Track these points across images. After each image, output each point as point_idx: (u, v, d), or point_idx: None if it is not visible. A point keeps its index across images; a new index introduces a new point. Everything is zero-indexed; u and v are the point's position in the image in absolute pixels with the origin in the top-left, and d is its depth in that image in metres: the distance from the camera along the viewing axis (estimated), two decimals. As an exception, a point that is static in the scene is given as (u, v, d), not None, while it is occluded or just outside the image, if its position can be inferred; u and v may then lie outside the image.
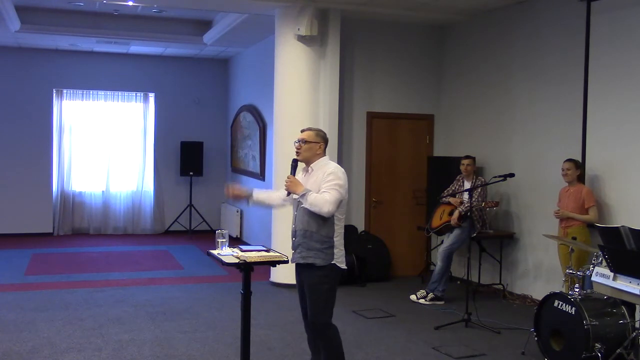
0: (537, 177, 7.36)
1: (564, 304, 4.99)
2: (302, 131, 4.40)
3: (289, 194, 4.28)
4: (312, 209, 4.12)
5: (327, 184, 4.15)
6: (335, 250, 4.23)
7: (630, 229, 4.73)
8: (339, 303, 4.65)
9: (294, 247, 4.31)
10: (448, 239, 7.37)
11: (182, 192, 12.20)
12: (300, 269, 4.32)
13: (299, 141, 4.34)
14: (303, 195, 4.13)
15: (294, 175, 4.30)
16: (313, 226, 4.18)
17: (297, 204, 4.28)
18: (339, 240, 4.26)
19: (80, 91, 11.75)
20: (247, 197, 4.55)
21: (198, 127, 12.33)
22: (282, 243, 7.52)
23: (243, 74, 11.57)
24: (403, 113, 8.80)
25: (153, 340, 5.69)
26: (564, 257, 6.25)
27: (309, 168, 4.33)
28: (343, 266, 4.30)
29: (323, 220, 4.16)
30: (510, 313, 6.92)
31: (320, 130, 4.42)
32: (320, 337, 4.31)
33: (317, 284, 4.22)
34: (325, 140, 4.38)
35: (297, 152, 4.34)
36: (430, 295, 7.28)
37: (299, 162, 4.39)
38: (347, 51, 8.34)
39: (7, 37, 10.22)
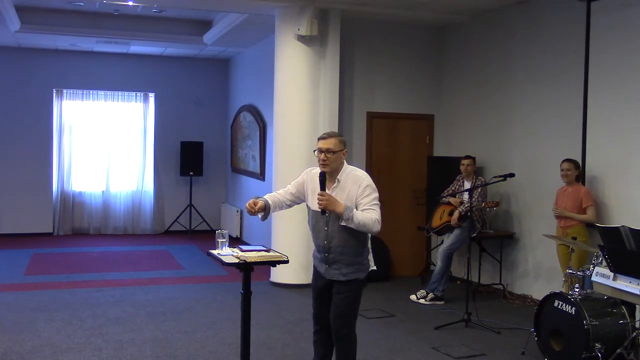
0: (537, 177, 7.36)
1: (564, 304, 4.99)
2: (322, 139, 4.02)
3: (323, 212, 3.92)
4: (360, 228, 3.89)
5: (366, 199, 3.92)
6: (369, 256, 4.17)
7: (630, 229, 4.73)
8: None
9: (328, 263, 4.08)
10: (448, 239, 7.37)
11: (182, 192, 12.19)
12: (331, 280, 4.12)
13: (323, 151, 3.95)
14: (349, 217, 3.83)
15: (325, 190, 3.94)
16: (351, 241, 4.01)
17: (327, 220, 4.00)
18: (368, 242, 4.17)
19: (80, 91, 11.74)
20: (262, 212, 4.13)
21: (198, 127, 12.32)
22: (282, 243, 7.55)
23: (243, 74, 11.56)
24: (403, 113, 8.79)
25: (153, 340, 5.69)
26: (563, 257, 6.25)
27: (336, 180, 4.00)
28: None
29: (358, 233, 3.98)
30: (510, 313, 6.91)
31: (340, 135, 4.12)
32: (342, 341, 4.14)
33: (355, 296, 4.13)
34: (346, 145, 4.08)
35: (323, 164, 3.96)
36: (430, 295, 7.28)
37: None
38: (347, 51, 8.34)
39: (7, 37, 10.22)
